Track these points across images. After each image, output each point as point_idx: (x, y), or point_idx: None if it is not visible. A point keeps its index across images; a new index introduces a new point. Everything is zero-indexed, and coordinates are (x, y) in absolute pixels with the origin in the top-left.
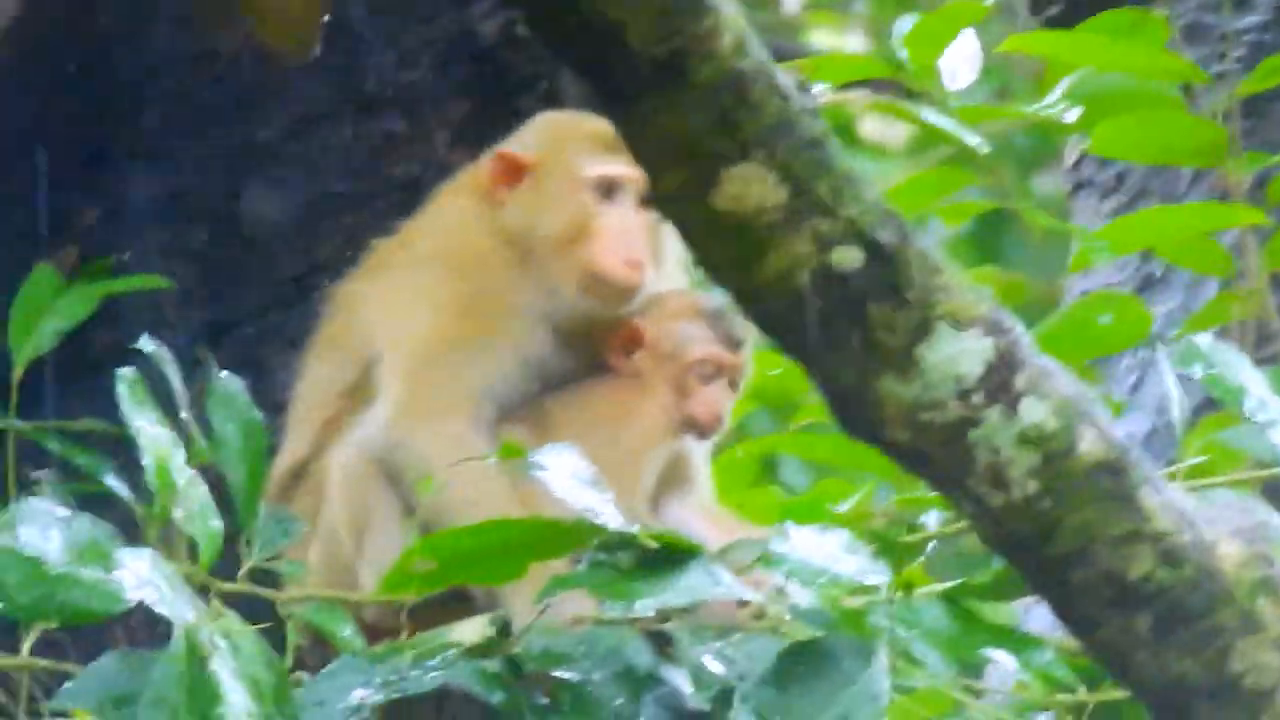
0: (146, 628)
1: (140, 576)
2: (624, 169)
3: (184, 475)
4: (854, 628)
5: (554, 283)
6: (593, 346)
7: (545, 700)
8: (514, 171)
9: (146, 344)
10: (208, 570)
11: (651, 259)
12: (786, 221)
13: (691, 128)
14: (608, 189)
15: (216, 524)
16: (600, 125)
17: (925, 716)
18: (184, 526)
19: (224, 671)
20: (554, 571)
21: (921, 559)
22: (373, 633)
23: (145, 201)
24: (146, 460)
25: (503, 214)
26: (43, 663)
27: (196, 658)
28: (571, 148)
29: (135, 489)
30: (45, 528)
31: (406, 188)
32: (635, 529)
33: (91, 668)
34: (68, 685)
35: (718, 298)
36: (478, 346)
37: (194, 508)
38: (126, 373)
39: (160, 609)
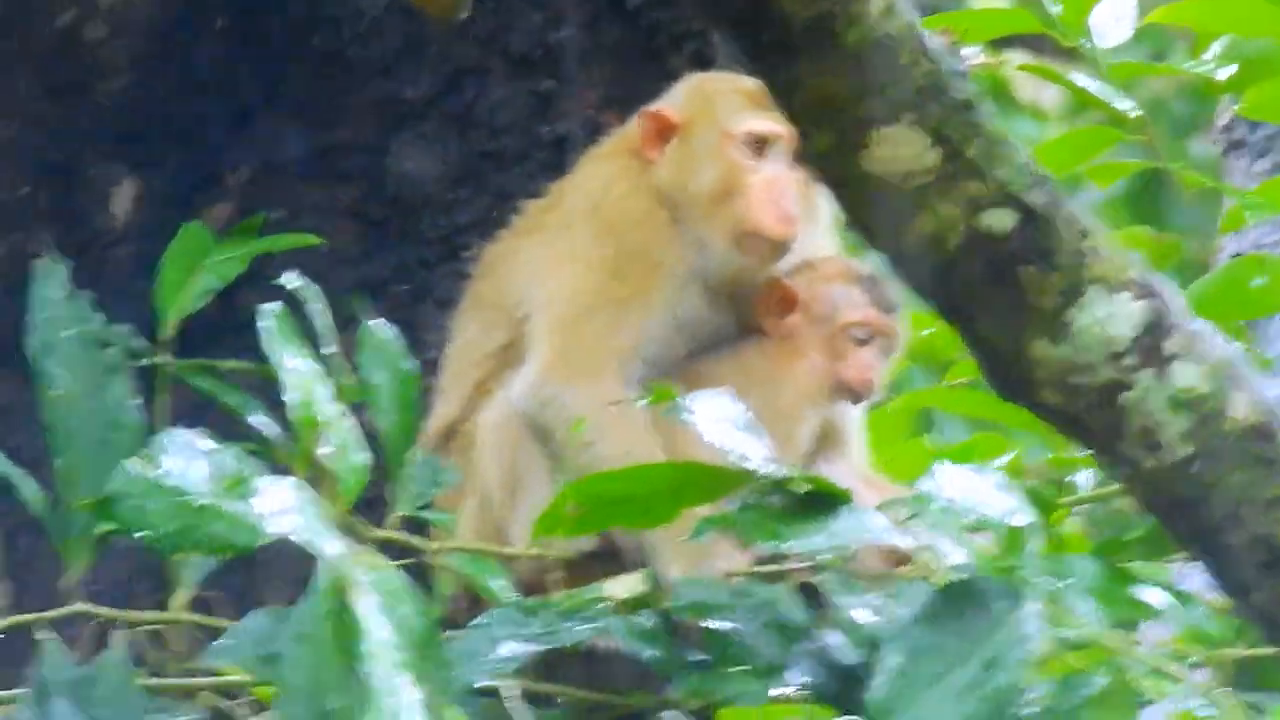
0: (294, 586)
1: (281, 505)
2: (774, 125)
3: (330, 409)
4: (1005, 575)
5: (706, 240)
6: (745, 308)
7: (696, 655)
8: (664, 130)
9: (290, 279)
10: (351, 503)
11: (804, 216)
12: (938, 184)
13: (841, 90)
14: (758, 145)
15: (362, 458)
16: (750, 83)
17: (1079, 667)
18: (328, 462)
19: (369, 606)
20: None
21: (1075, 518)
22: (524, 590)
23: (297, 159)
24: (290, 394)
25: (653, 173)
26: (195, 617)
27: (341, 592)
28: (721, 106)
29: (285, 436)
30: (189, 459)
31: (555, 147)
32: (786, 473)
33: (243, 623)
34: (218, 642)
35: (871, 263)
36: (628, 306)
37: (338, 442)
38: (272, 307)
39: (301, 539)
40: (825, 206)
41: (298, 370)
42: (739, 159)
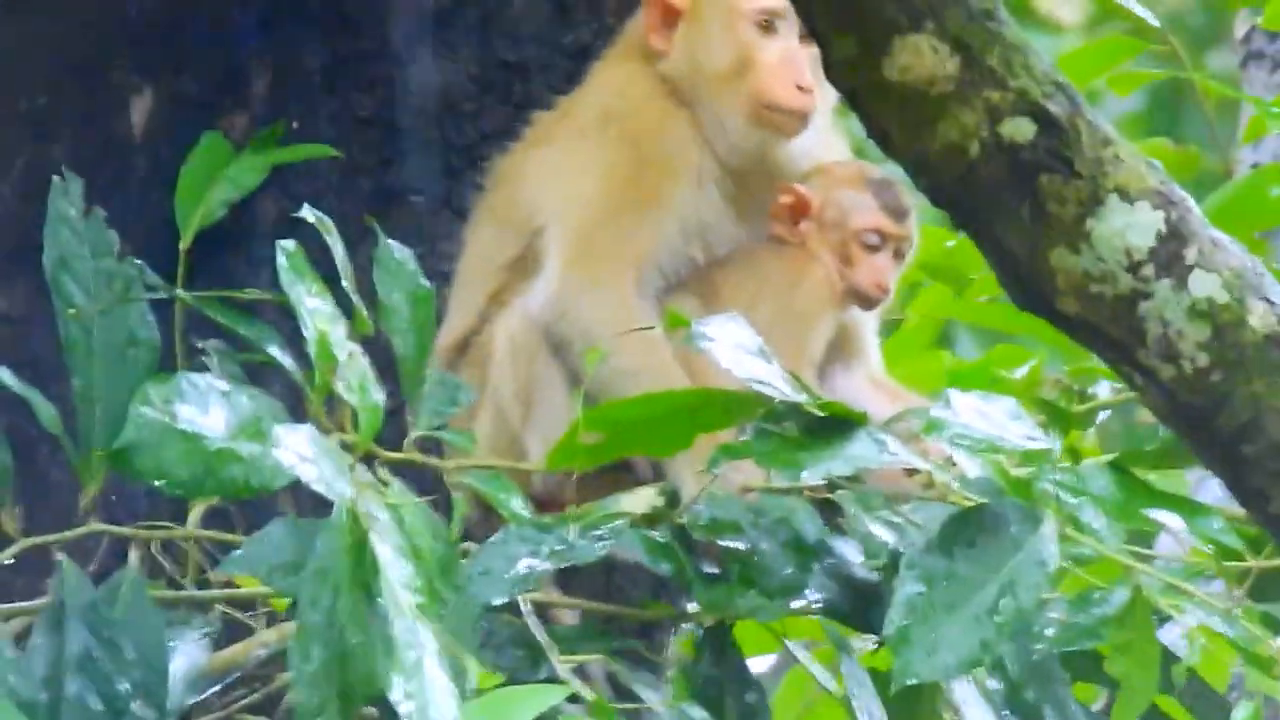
0: (313, 496)
1: (298, 453)
2: (783, 2)
3: (345, 348)
4: (1021, 495)
5: (723, 122)
6: (759, 213)
7: (713, 570)
8: (669, 16)
9: (308, 213)
10: (369, 441)
11: (818, 88)
12: (957, 92)
13: None
14: (768, 21)
15: (378, 396)
16: None
17: (1094, 583)
18: (346, 398)
19: (384, 545)
20: (721, 441)
21: (1092, 429)
22: (540, 503)
23: (314, 68)
24: (308, 332)
25: (662, 64)
26: (209, 533)
27: (357, 532)
28: None
29: (301, 358)
30: (205, 403)
31: (578, 56)
32: (802, 398)
33: (257, 536)
34: (234, 553)
35: (884, 168)
36: (643, 214)
37: (355, 380)
38: (287, 244)
39: (317, 486)
40: (831, 98)
41: (315, 309)
42: (750, 35)
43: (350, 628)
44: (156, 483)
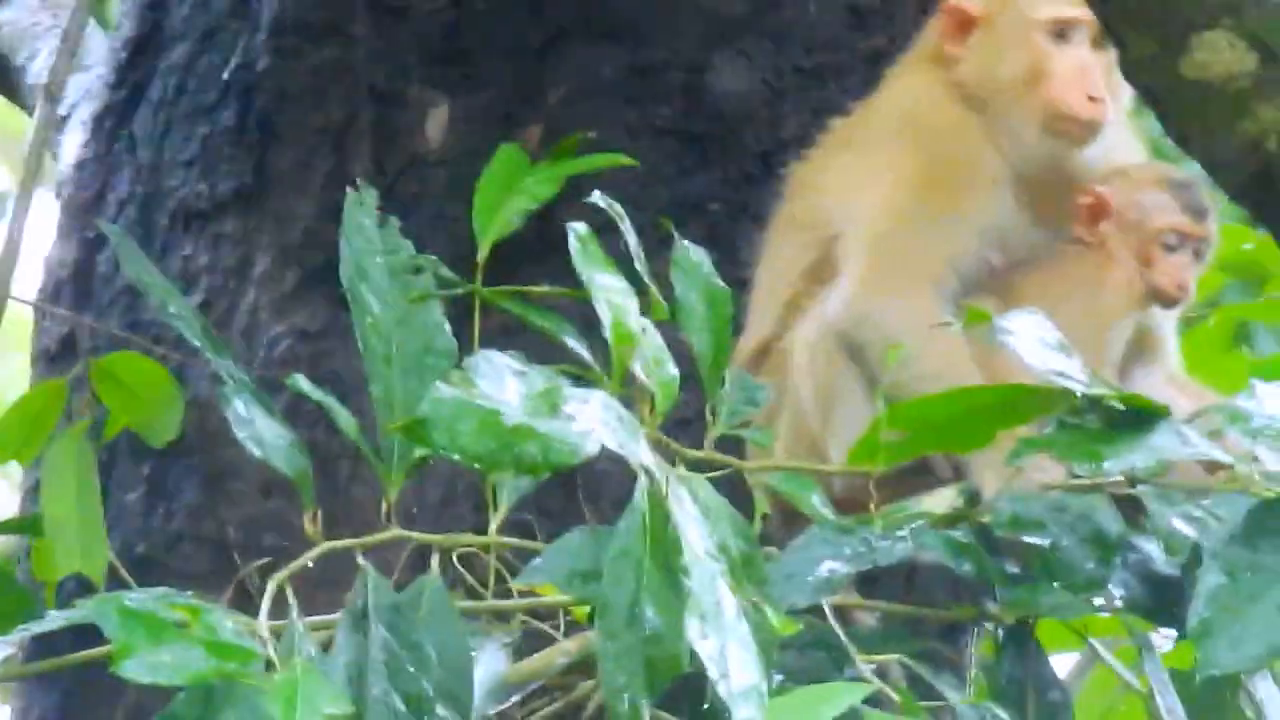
0: (615, 508)
1: (594, 422)
2: (1076, 11)
3: (639, 324)
4: None
5: (1016, 129)
6: (1057, 216)
7: (1014, 569)
8: (964, 23)
9: (598, 198)
10: (665, 417)
11: (1110, 98)
12: (1256, 88)
13: None
14: (1061, 30)
15: (672, 371)
16: None
17: None
18: (641, 375)
19: (687, 520)
20: (1021, 437)
21: None
22: (840, 506)
23: (610, 78)
24: (602, 310)
25: (957, 70)
26: (510, 540)
27: (659, 508)
28: None
29: (598, 357)
30: (501, 380)
31: (874, 61)
32: (1103, 391)
33: (557, 544)
34: (534, 562)
35: (1183, 169)
36: (940, 219)
37: (650, 357)
38: (579, 227)
39: (617, 449)
40: (1125, 99)
41: (608, 287)
42: (1044, 44)
43: (654, 606)
44: (454, 456)
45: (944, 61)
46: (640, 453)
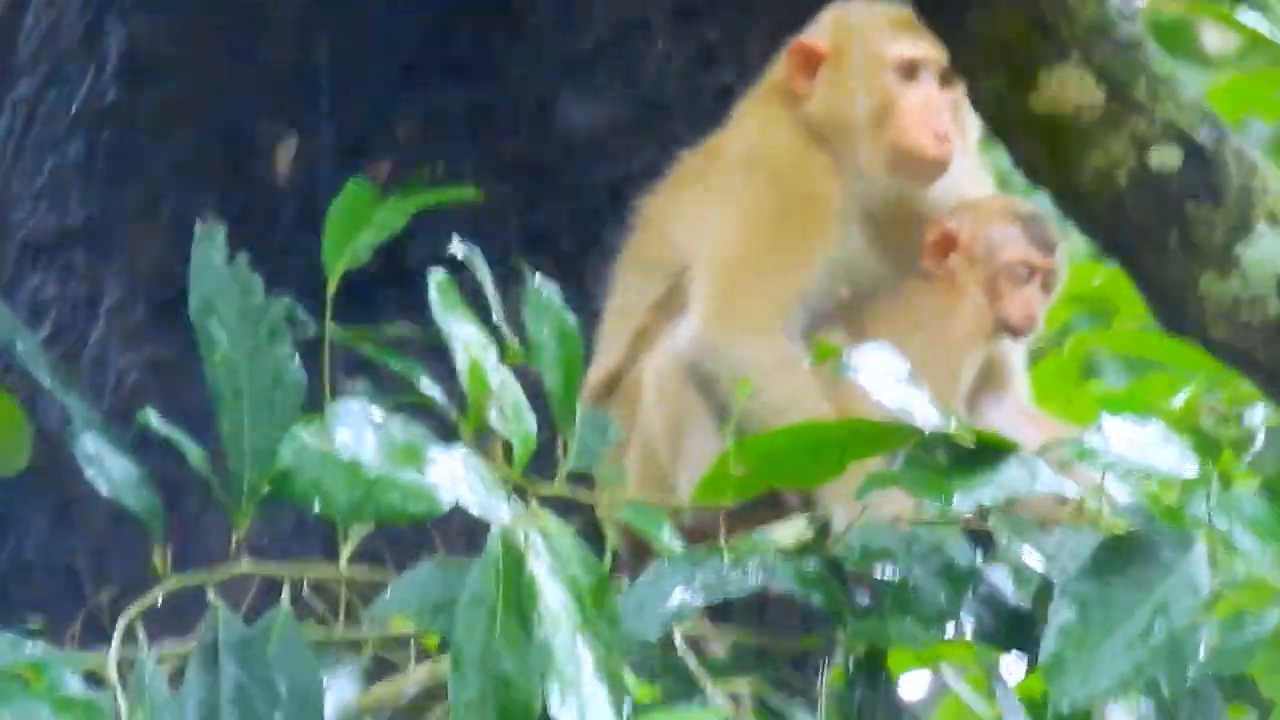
0: (464, 536)
1: (454, 476)
2: (924, 50)
3: (498, 375)
4: (1172, 521)
5: (863, 168)
6: (904, 249)
7: (865, 599)
8: (811, 61)
9: (458, 247)
10: (523, 468)
11: (957, 137)
12: (1104, 121)
13: (1009, 31)
14: (909, 69)
15: (531, 422)
16: (895, 9)
17: (1246, 607)
18: (498, 426)
19: (541, 570)
20: (870, 471)
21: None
22: (691, 537)
23: (458, 113)
24: (459, 359)
25: (804, 108)
26: (361, 571)
27: (513, 557)
28: (870, 32)
29: (450, 398)
30: (360, 430)
31: (723, 96)
32: (952, 426)
33: (409, 575)
34: (385, 594)
35: (1029, 202)
36: (788, 252)
37: (508, 407)
38: (438, 274)
39: (474, 509)
40: (974, 132)
41: (466, 338)
42: (890, 83)
43: (507, 653)
44: (315, 508)
45: (791, 99)
46: (500, 511)
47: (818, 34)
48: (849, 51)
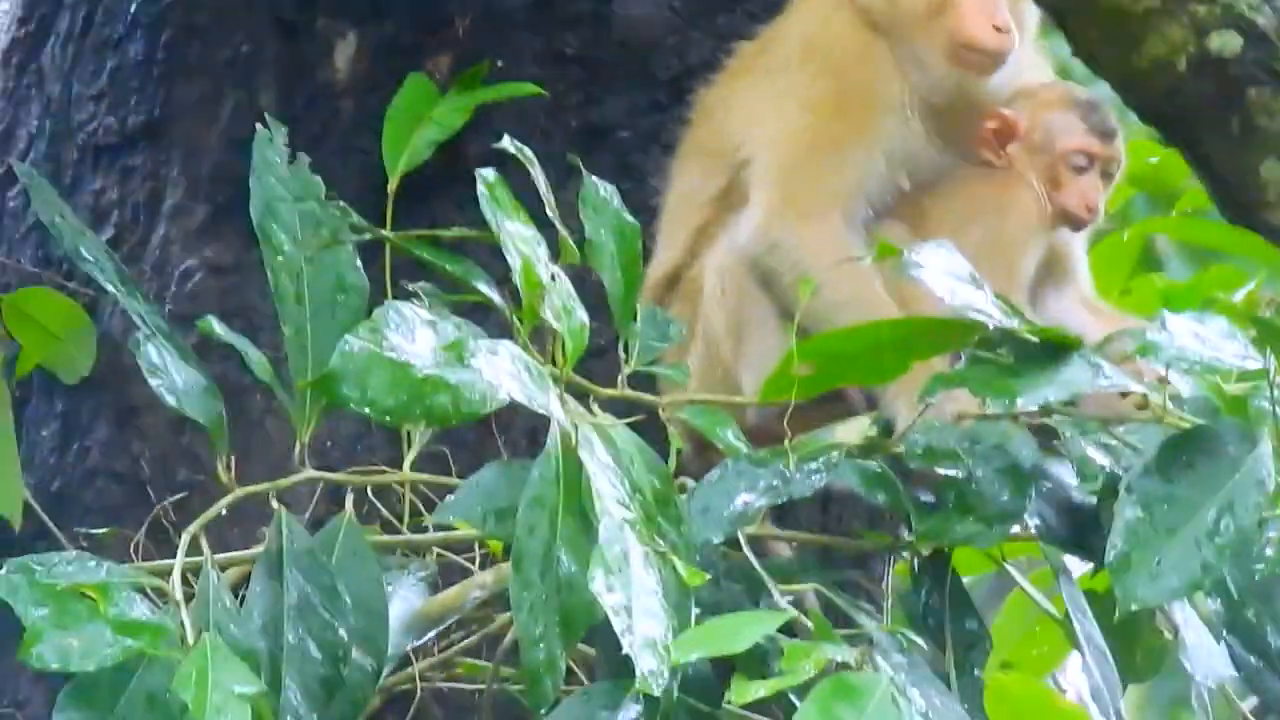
0: (526, 437)
1: (502, 371)
2: None
3: (549, 272)
4: (1237, 414)
5: (923, 59)
6: (964, 138)
7: (929, 498)
8: None
9: (508, 143)
10: (574, 365)
11: (1016, 26)
12: (1163, 8)
13: None
14: None
15: (582, 317)
16: None
17: None
18: (551, 321)
19: (598, 467)
20: (934, 370)
21: None
22: (753, 435)
23: (517, 7)
24: (512, 258)
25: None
26: (423, 476)
27: (572, 457)
28: None
29: (509, 298)
30: (412, 331)
31: None
32: (1015, 323)
33: (471, 480)
34: (449, 498)
35: (1090, 89)
36: (848, 144)
37: (559, 303)
38: (486, 173)
39: (523, 402)
40: (1033, 22)
41: (517, 234)
42: None
43: (568, 554)
44: (364, 410)
45: None
46: (550, 404)
47: None
48: None
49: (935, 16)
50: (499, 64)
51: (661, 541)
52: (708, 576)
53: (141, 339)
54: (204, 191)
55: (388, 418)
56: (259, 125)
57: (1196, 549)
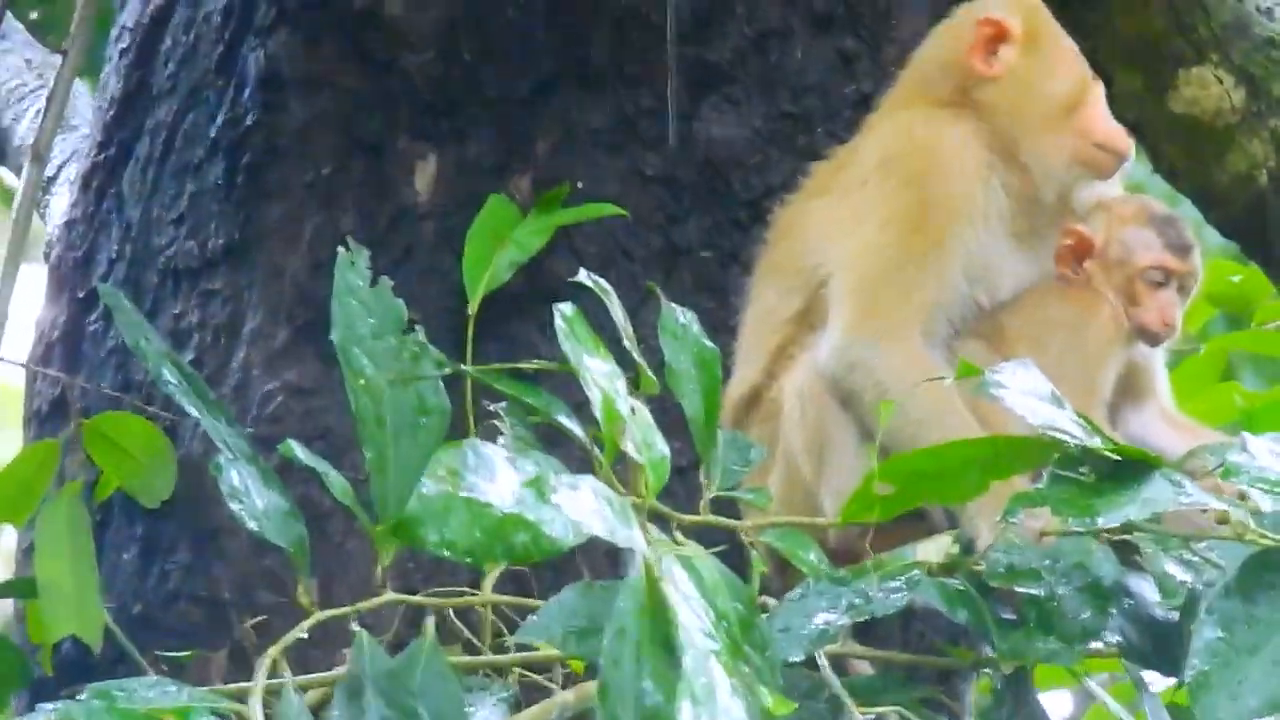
0: (608, 558)
1: (584, 508)
2: None
3: (628, 405)
4: None
5: (1044, 154)
6: (1045, 250)
7: (1011, 616)
8: (998, 38)
9: (584, 277)
10: (656, 495)
11: None
12: (1244, 123)
13: (1147, 30)
14: None
15: (663, 449)
16: None
17: None
18: (633, 453)
19: (681, 599)
20: (1015, 488)
21: None
22: (835, 556)
23: (598, 128)
24: (592, 394)
25: (979, 90)
26: (504, 598)
27: (656, 588)
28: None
29: (589, 424)
30: (492, 469)
31: (861, 105)
32: (1095, 441)
33: (554, 601)
34: (531, 619)
35: (1164, 204)
36: (928, 259)
37: (640, 435)
38: (564, 308)
39: (608, 536)
40: None
41: (596, 369)
42: (1086, 71)
43: (655, 685)
44: (444, 552)
45: (930, 99)
46: (634, 537)
47: (1003, 11)
48: (1045, 33)
49: (1069, 112)
50: (580, 184)
51: (746, 668)
52: (795, 706)
53: (223, 462)
54: (284, 314)
55: (469, 559)
56: (340, 248)
57: (1276, 669)
